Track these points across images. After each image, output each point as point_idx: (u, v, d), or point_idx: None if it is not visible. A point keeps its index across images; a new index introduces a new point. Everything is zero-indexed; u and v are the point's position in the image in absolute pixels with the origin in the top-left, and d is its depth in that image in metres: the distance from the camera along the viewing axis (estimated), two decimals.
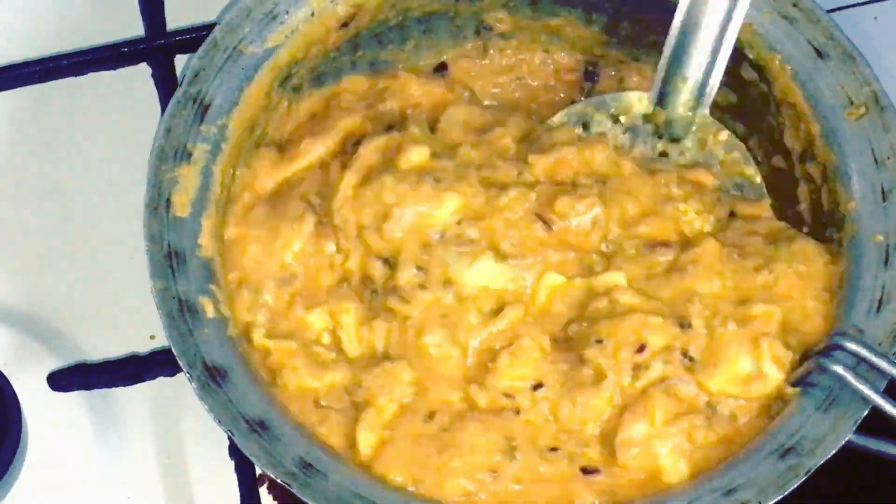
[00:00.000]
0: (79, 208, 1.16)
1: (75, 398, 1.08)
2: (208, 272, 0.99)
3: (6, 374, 1.06)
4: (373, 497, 0.92)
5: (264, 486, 1.06)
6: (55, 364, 1.09)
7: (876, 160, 1.02)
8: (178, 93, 1.03)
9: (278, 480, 0.91)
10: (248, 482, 1.03)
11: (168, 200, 0.99)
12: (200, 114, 1.02)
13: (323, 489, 0.91)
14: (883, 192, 1.01)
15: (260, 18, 1.06)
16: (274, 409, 0.95)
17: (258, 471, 1.05)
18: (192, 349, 0.95)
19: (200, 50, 1.04)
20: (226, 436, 1.03)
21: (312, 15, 1.07)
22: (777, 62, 1.05)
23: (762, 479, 0.92)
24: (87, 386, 1.06)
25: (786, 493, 0.92)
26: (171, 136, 1.01)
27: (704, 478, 0.94)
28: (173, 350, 0.95)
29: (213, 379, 0.94)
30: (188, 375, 0.94)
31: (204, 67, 1.04)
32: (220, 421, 0.93)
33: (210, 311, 0.97)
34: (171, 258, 0.98)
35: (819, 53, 1.05)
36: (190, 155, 1.01)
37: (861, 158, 1.02)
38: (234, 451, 1.04)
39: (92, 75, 1.18)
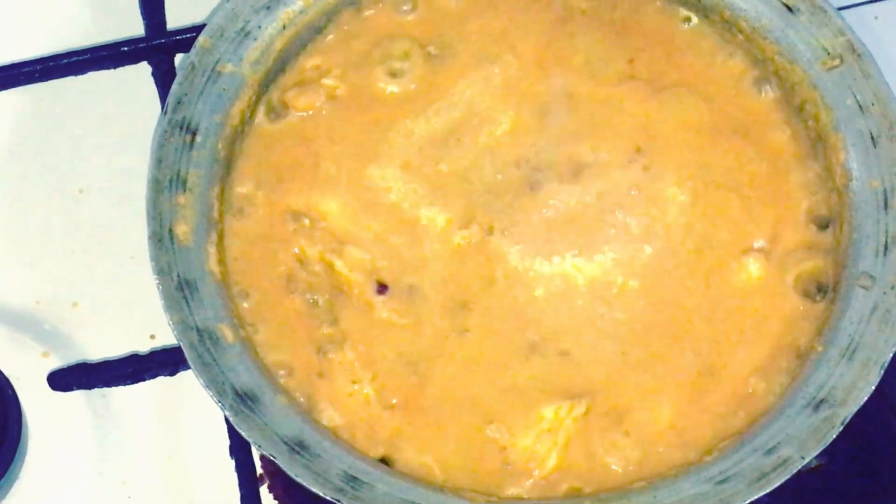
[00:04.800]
0: (79, 208, 1.16)
1: (75, 398, 1.08)
2: (222, 298, 0.99)
3: (6, 374, 1.06)
4: (420, 501, 0.92)
5: (264, 486, 1.06)
6: (55, 364, 1.09)
7: (861, 107, 1.04)
8: (164, 121, 1.03)
9: (327, 497, 0.91)
10: (248, 482, 1.03)
11: (171, 231, 0.99)
12: (189, 140, 1.03)
13: (372, 500, 0.92)
14: (872, 138, 1.03)
15: (233, 37, 1.07)
16: (308, 426, 0.95)
17: (258, 470, 1.05)
18: (219, 378, 0.95)
19: (179, 75, 1.05)
20: (226, 435, 1.03)
21: (284, 28, 1.08)
22: (747, 22, 1.08)
23: (800, 434, 0.93)
24: (87, 386, 1.06)
25: (825, 445, 0.93)
26: (164, 166, 1.01)
27: (741, 439, 0.95)
28: (200, 380, 0.94)
29: (245, 405, 0.94)
30: (220, 405, 0.94)
31: (186, 93, 1.04)
32: (259, 446, 0.93)
33: (230, 337, 0.97)
34: (182, 289, 0.98)
35: (789, 9, 1.07)
36: (185, 182, 1.01)
37: (845, 107, 1.04)
38: (234, 450, 1.04)
39: (92, 75, 1.18)
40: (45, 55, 1.18)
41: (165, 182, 1.01)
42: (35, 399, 1.07)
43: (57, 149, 1.18)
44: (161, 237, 0.99)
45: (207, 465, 1.06)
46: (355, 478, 0.93)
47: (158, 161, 1.02)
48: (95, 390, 1.07)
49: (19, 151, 1.19)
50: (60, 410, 1.08)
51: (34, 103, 1.19)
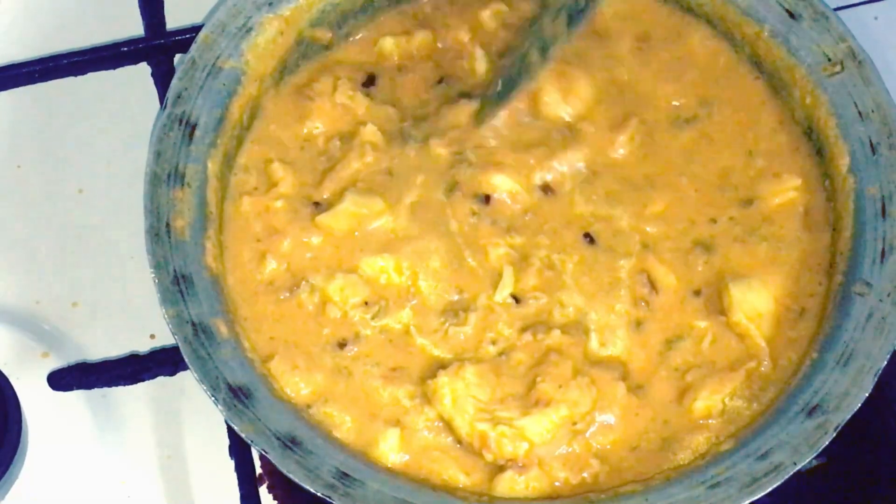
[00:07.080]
0: (78, 208, 1.16)
1: (75, 398, 1.08)
2: (217, 292, 0.99)
3: (6, 374, 1.05)
4: (411, 499, 0.92)
5: (264, 486, 1.06)
6: (55, 364, 1.09)
7: (861, 114, 1.04)
8: (163, 115, 1.03)
9: (318, 494, 0.91)
10: (248, 482, 1.03)
11: (168, 225, 0.99)
12: (188, 134, 1.03)
13: (363, 497, 0.92)
14: (871, 146, 1.03)
15: (234, 32, 1.07)
16: (302, 422, 0.95)
17: (258, 470, 1.05)
18: (213, 372, 0.95)
19: (180, 70, 1.05)
20: (226, 435, 1.03)
21: (287, 24, 1.08)
22: (752, 27, 1.08)
23: (793, 440, 0.94)
24: (87, 386, 1.06)
25: (818, 451, 0.93)
26: (162, 160, 1.02)
27: (737, 443, 0.95)
28: (194, 375, 0.94)
29: (238, 399, 0.94)
30: (213, 399, 0.94)
31: (186, 87, 1.05)
32: (252, 441, 0.93)
33: (224, 332, 0.97)
34: (178, 283, 0.98)
35: (791, 14, 1.07)
36: (183, 177, 1.01)
37: (846, 114, 1.04)
38: (234, 451, 1.04)
39: (92, 75, 1.18)
40: (45, 55, 1.18)
41: (164, 176, 1.01)
42: (35, 399, 1.07)
43: (57, 149, 1.19)
44: (158, 231, 0.99)
45: (207, 465, 1.06)
46: (347, 475, 0.93)
47: (157, 155, 1.02)
48: (95, 390, 1.07)
49: (19, 151, 1.19)
50: (60, 410, 1.08)
51: (34, 103, 1.20)
